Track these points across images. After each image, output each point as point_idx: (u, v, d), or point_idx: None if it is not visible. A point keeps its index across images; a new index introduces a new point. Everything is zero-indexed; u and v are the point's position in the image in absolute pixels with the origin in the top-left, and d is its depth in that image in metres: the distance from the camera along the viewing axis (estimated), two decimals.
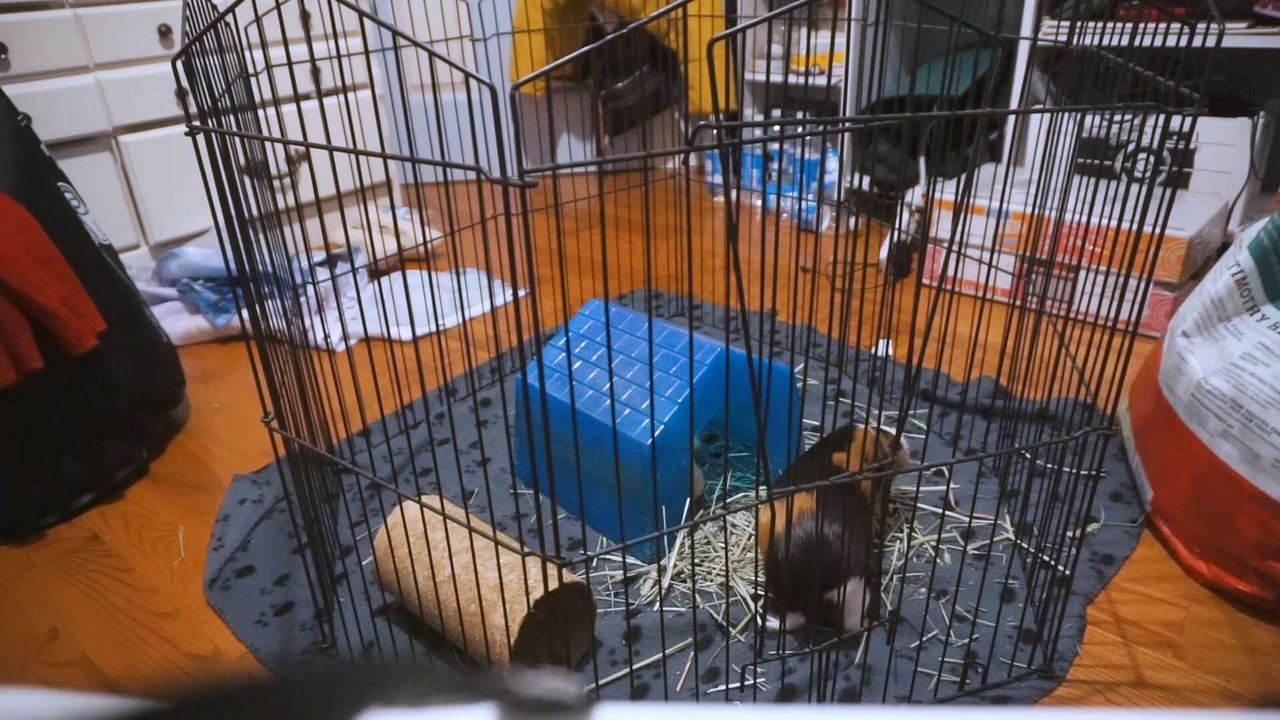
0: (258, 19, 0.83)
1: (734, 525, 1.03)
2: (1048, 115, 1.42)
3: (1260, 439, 0.85)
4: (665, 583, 0.96)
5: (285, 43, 0.83)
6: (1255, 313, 0.91)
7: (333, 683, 0.16)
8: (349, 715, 0.16)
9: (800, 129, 1.61)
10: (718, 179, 2.46)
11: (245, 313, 1.33)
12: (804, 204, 2.05)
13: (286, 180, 1.89)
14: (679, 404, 0.94)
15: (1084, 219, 1.35)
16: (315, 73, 1.30)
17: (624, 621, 0.90)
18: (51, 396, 1.09)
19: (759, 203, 2.35)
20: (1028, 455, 1.10)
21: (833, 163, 2.07)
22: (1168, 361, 1.00)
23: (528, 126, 2.58)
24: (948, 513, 1.04)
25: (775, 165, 2.09)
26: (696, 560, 0.98)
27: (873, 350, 1.40)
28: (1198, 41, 0.60)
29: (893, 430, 0.94)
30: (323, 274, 1.69)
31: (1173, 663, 0.84)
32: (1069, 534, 0.86)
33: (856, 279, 1.71)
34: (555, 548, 0.63)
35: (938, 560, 0.96)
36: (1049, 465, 1.10)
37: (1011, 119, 1.78)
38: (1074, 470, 0.80)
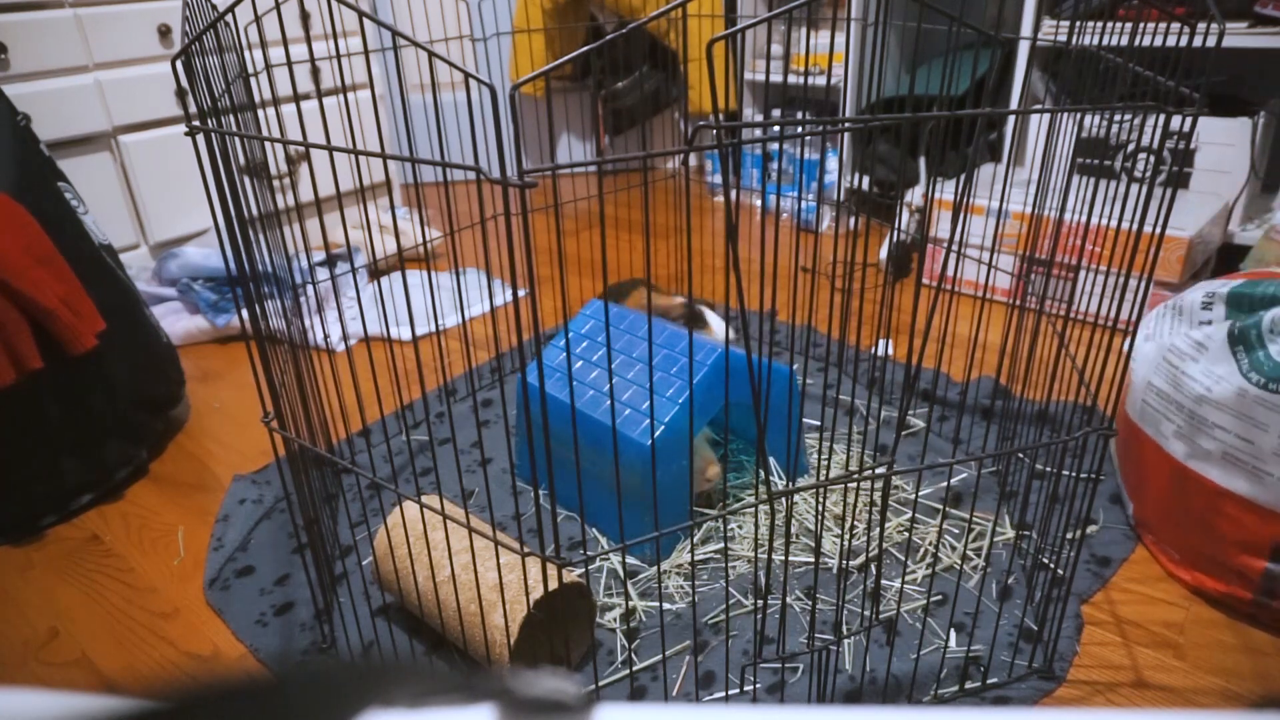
0: (258, 19, 0.83)
1: (734, 528, 1.03)
2: (1047, 115, 1.42)
3: (1204, 434, 0.85)
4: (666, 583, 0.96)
5: (285, 43, 0.83)
6: (1208, 318, 0.92)
7: (333, 683, 0.16)
8: (349, 715, 0.16)
9: (800, 129, 1.61)
10: (718, 179, 2.46)
11: (245, 313, 1.33)
12: (804, 204, 2.05)
13: (286, 180, 1.88)
14: (679, 404, 0.94)
15: (1084, 219, 1.35)
16: (315, 73, 1.30)
17: (623, 621, 0.90)
18: (51, 396, 1.09)
19: (759, 203, 2.35)
20: (1026, 458, 1.10)
21: (833, 163, 2.07)
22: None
23: (528, 126, 2.58)
24: (949, 511, 1.04)
25: (775, 165, 2.09)
26: (700, 558, 0.98)
27: (873, 350, 1.40)
28: (1198, 41, 0.60)
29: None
30: (323, 274, 1.69)
31: (1173, 663, 0.84)
32: (1067, 536, 0.86)
33: (856, 279, 1.71)
34: (555, 548, 0.63)
35: (938, 560, 0.96)
36: (1048, 468, 1.10)
37: (1011, 119, 1.78)
38: (1073, 472, 0.80)
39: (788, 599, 0.92)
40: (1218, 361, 0.85)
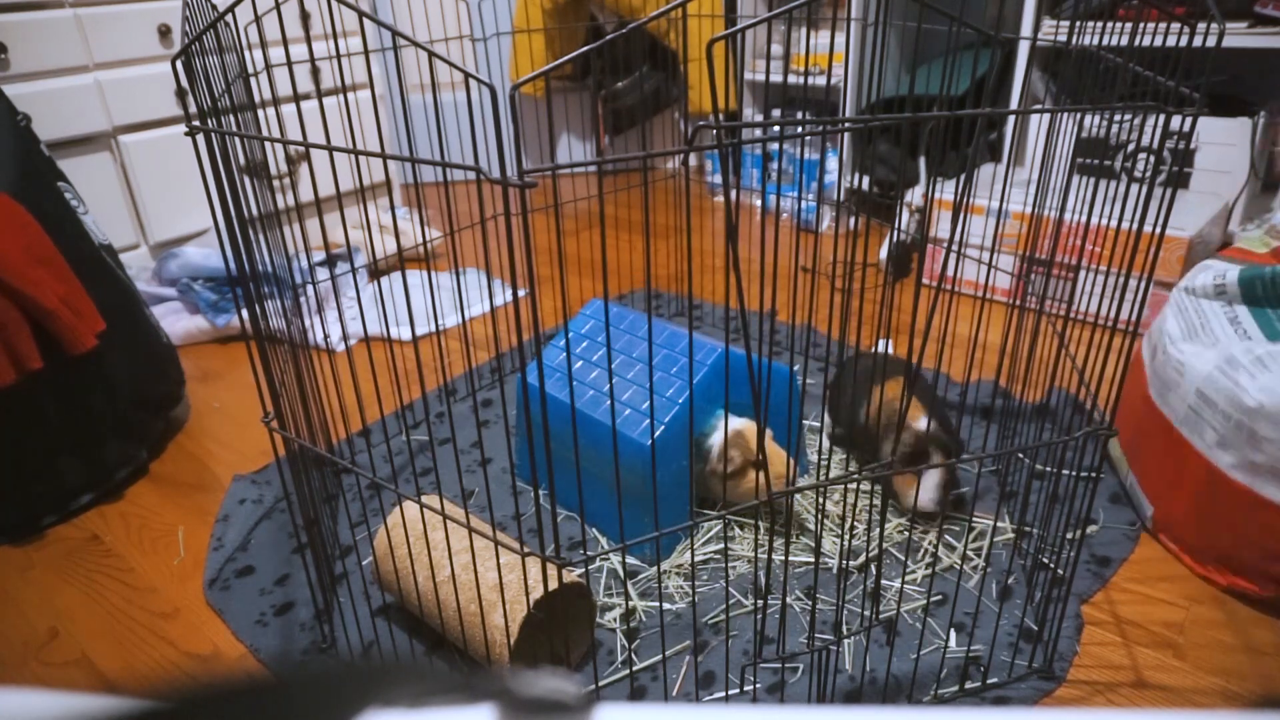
0: (258, 19, 0.83)
1: (735, 529, 1.03)
2: (1047, 115, 1.42)
3: (1253, 447, 0.85)
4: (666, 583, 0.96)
5: (285, 43, 0.83)
6: (1232, 318, 0.92)
7: (333, 683, 0.16)
8: (349, 715, 0.16)
9: (800, 129, 1.61)
10: (718, 179, 2.46)
11: (245, 313, 1.33)
12: (804, 204, 2.05)
13: (286, 180, 1.88)
14: (679, 404, 0.94)
15: (1084, 219, 1.35)
16: (315, 73, 1.30)
17: (623, 621, 0.90)
18: (51, 396, 1.08)
19: (759, 203, 2.35)
20: (1027, 459, 1.10)
21: (833, 163, 2.07)
22: (1160, 373, 1.00)
23: (528, 126, 2.58)
24: (949, 514, 1.04)
25: (775, 165, 2.09)
26: (700, 560, 0.98)
27: (873, 350, 1.39)
28: (1198, 41, 0.60)
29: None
30: (323, 274, 1.69)
31: (1173, 663, 0.84)
32: (1067, 536, 0.86)
33: (856, 279, 1.71)
34: (555, 548, 0.63)
35: (938, 560, 0.96)
36: (1048, 467, 1.10)
37: (1011, 119, 1.78)
38: (1073, 472, 0.81)
39: (787, 599, 0.92)
40: (1272, 373, 0.85)
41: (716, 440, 0.98)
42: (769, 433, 0.99)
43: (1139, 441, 1.04)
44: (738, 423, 0.99)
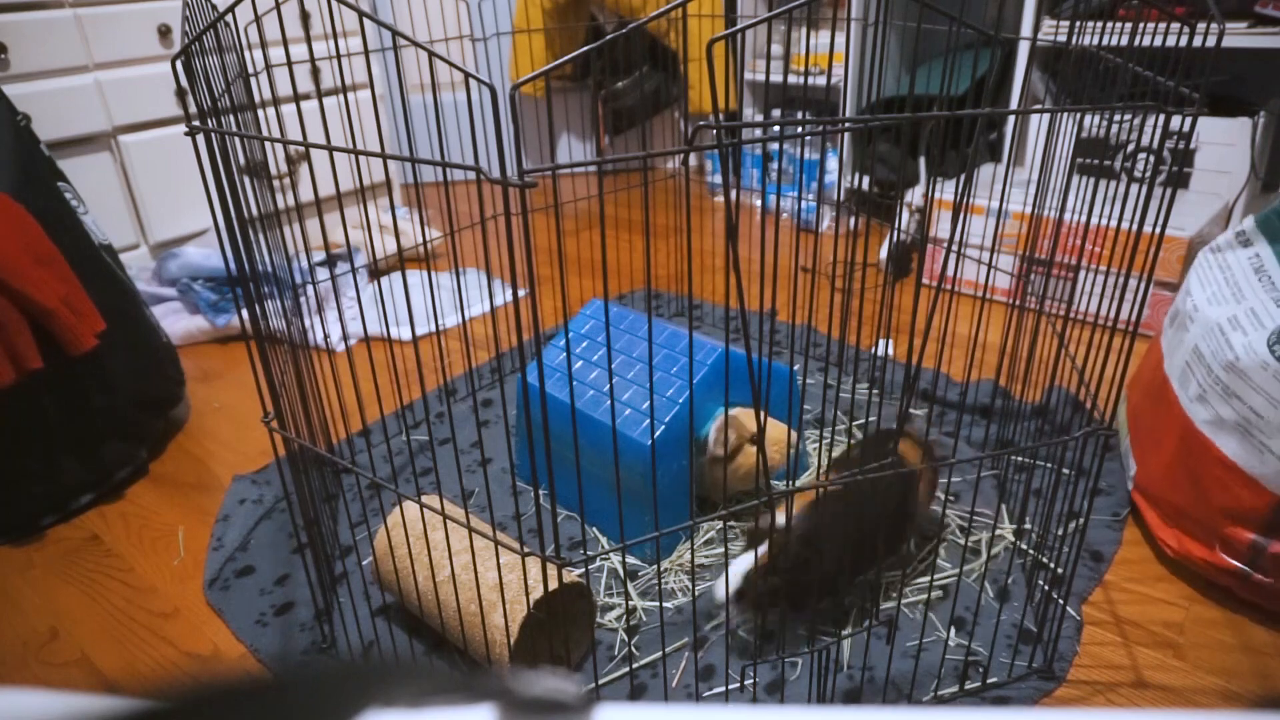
0: (258, 19, 0.83)
1: (733, 529, 1.03)
2: (1047, 115, 1.42)
3: (1224, 401, 0.86)
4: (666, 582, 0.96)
5: (285, 43, 0.83)
6: (1257, 266, 0.92)
7: (333, 683, 0.16)
8: (349, 715, 0.16)
9: (800, 129, 1.61)
10: (718, 179, 2.46)
11: (245, 313, 1.33)
12: (804, 204, 2.05)
13: (286, 180, 1.88)
14: (679, 404, 0.94)
15: (1084, 219, 1.35)
16: (315, 73, 1.30)
17: (624, 620, 0.90)
18: (51, 396, 1.08)
19: (759, 203, 2.35)
20: (1027, 459, 1.10)
21: (833, 163, 2.07)
22: (1173, 337, 1.00)
23: (528, 126, 2.58)
24: (947, 511, 1.04)
25: (775, 165, 2.09)
26: (700, 561, 0.98)
27: (873, 350, 1.40)
28: (1198, 41, 0.60)
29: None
30: (323, 274, 1.69)
31: (1173, 663, 0.84)
32: (1059, 531, 0.86)
33: (856, 279, 1.71)
34: (555, 548, 0.63)
35: (936, 560, 0.96)
36: (1048, 464, 1.10)
37: (1011, 119, 1.78)
38: (1073, 471, 0.81)
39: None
40: (1252, 329, 0.86)
41: (712, 427, 0.98)
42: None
43: (1142, 405, 1.05)
44: (731, 410, 0.99)
